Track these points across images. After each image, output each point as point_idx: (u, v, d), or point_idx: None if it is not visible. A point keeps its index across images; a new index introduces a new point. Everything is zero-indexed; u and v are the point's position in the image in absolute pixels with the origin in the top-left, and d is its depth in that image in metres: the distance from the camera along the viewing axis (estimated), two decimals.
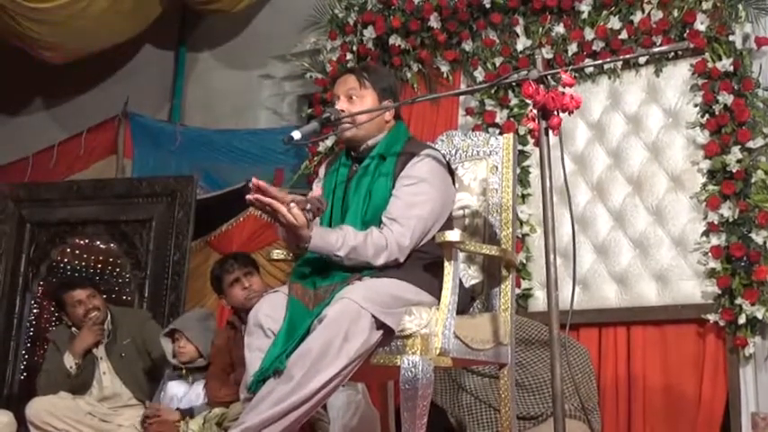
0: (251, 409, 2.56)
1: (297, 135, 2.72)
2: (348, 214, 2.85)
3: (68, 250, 5.71)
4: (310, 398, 2.54)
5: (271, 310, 2.72)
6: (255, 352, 2.68)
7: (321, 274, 2.75)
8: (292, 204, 2.63)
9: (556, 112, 2.49)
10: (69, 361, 4.52)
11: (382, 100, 2.96)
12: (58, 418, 4.31)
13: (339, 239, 2.70)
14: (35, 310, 5.69)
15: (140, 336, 4.63)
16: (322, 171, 3.10)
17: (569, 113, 2.51)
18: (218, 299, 5.14)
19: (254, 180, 2.64)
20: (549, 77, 2.52)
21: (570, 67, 2.56)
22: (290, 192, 5.15)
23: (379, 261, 2.73)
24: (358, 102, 2.93)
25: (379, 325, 2.60)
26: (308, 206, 2.66)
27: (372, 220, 2.82)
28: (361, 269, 2.74)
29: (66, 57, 6.16)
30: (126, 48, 6.36)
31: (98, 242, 5.66)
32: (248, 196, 2.65)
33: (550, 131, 2.53)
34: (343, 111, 2.91)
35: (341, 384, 2.63)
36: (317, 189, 3.04)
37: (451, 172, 3.00)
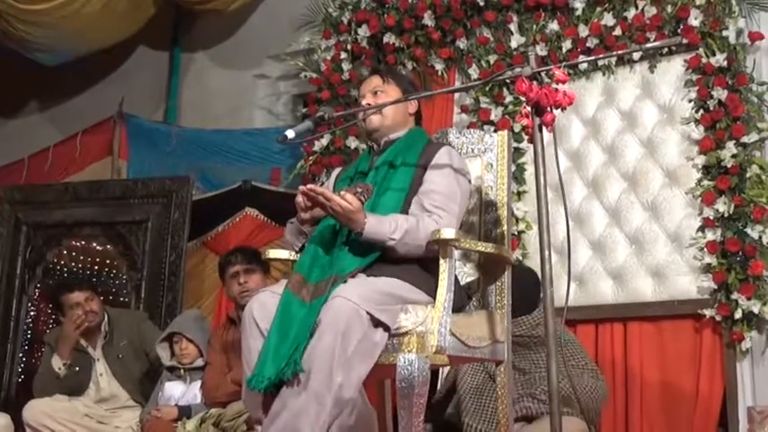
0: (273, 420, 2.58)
1: (291, 134, 2.73)
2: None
3: (65, 252, 5.70)
4: (333, 403, 2.55)
5: (264, 311, 2.72)
6: (255, 352, 2.68)
7: (322, 266, 2.76)
8: (343, 192, 2.68)
9: (549, 109, 2.49)
10: (57, 362, 4.51)
11: (406, 95, 3.02)
12: (55, 420, 4.31)
13: (393, 224, 2.72)
14: (32, 313, 5.69)
15: (137, 337, 4.63)
16: (333, 176, 3.15)
17: (563, 110, 2.51)
18: (215, 299, 5.14)
19: (302, 187, 2.80)
20: (542, 74, 2.52)
21: (563, 64, 2.55)
22: (285, 191, 5.16)
23: (434, 246, 2.75)
24: (383, 96, 3.01)
25: (376, 323, 2.59)
26: (359, 189, 2.68)
27: (388, 201, 2.84)
28: (360, 264, 2.73)
29: (60, 58, 6.15)
30: (120, 49, 6.35)
31: (94, 244, 5.66)
32: (301, 187, 2.79)
33: (544, 128, 2.54)
34: (369, 104, 3.00)
35: (359, 383, 2.63)
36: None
37: None
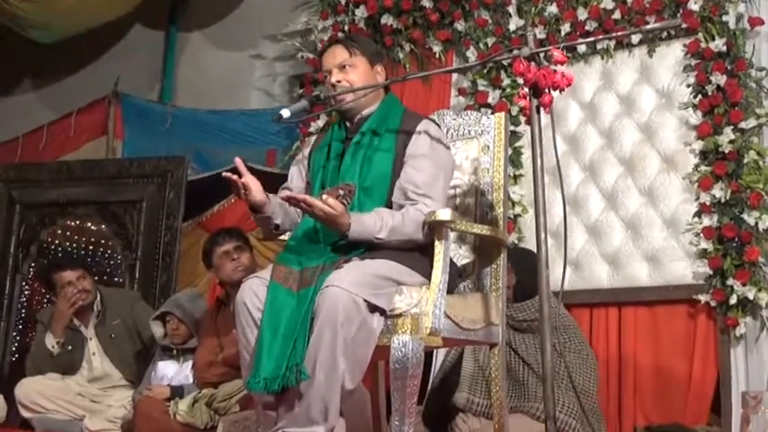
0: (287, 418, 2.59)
1: (286, 113, 2.70)
2: (343, 182, 2.82)
3: (59, 231, 5.69)
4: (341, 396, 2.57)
5: (256, 299, 2.69)
6: (251, 341, 2.67)
7: (309, 254, 2.73)
8: (325, 196, 2.63)
9: (547, 90, 2.47)
10: (50, 341, 4.51)
11: (373, 65, 2.94)
12: (48, 398, 4.31)
13: (378, 222, 2.69)
14: (26, 292, 5.68)
15: (130, 316, 4.62)
16: (306, 150, 3.07)
17: (561, 91, 2.49)
18: (209, 280, 5.12)
19: (283, 194, 2.76)
20: (540, 55, 2.50)
21: (562, 44, 2.53)
22: (281, 173, 5.14)
23: (421, 236, 2.73)
24: (352, 71, 2.89)
25: (372, 308, 2.58)
26: (341, 192, 2.64)
27: (372, 187, 2.80)
28: (349, 251, 2.71)
29: (55, 36, 6.11)
30: (116, 27, 6.31)
31: (89, 223, 5.65)
32: (281, 194, 2.74)
33: (542, 109, 2.52)
34: (339, 81, 2.88)
35: (362, 374, 2.63)
36: (293, 171, 3.04)
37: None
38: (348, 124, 2.95)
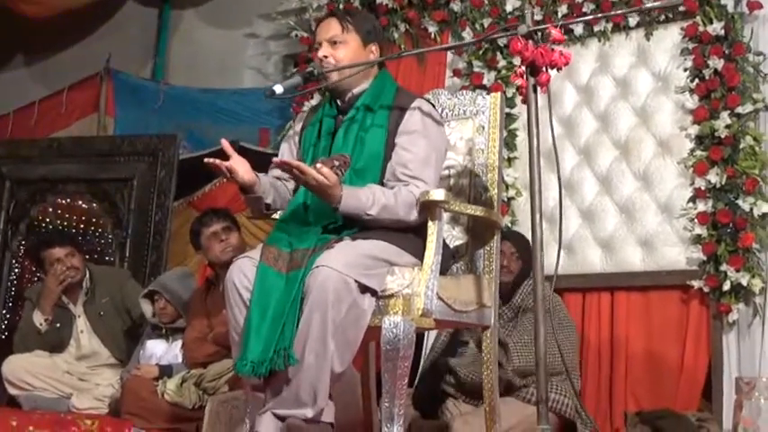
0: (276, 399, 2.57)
1: (279, 89, 2.66)
2: None
3: (50, 209, 5.65)
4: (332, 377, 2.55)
5: (245, 279, 2.66)
6: (240, 321, 2.64)
7: (299, 235, 2.69)
8: (319, 165, 2.57)
9: (545, 69, 2.44)
10: (38, 318, 4.48)
11: (366, 44, 2.87)
12: (35, 376, 4.28)
13: (370, 198, 2.64)
14: (16, 270, 5.64)
15: (119, 294, 4.59)
16: (298, 126, 3.02)
17: (558, 70, 2.46)
18: (200, 260, 5.09)
19: (275, 159, 2.69)
20: (538, 34, 2.46)
21: (559, 23, 2.49)
22: (274, 152, 5.10)
23: (412, 217, 2.69)
24: (342, 47, 2.83)
25: (364, 288, 2.55)
26: (336, 163, 2.59)
27: (365, 168, 2.76)
28: (340, 231, 2.68)
29: (47, 12, 6.06)
30: (109, 4, 6.29)
31: (79, 201, 5.60)
32: (275, 159, 2.68)
33: (539, 89, 2.48)
34: (326, 56, 2.82)
35: (351, 357, 2.61)
36: (284, 147, 3.00)
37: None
38: (339, 102, 2.90)
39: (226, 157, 2.75)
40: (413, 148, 2.76)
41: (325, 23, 2.88)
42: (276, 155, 3.11)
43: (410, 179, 2.72)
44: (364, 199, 2.64)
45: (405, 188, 2.70)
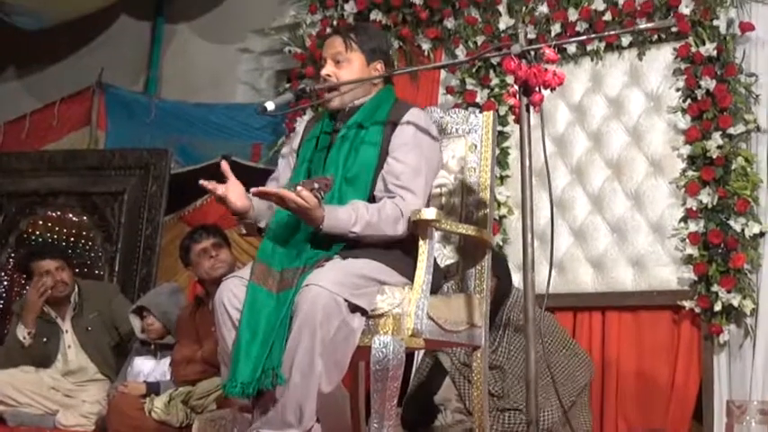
0: (262, 419, 2.55)
1: (270, 105, 2.65)
2: (328, 172, 2.76)
3: (40, 222, 5.62)
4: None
5: (235, 299, 2.64)
6: (229, 342, 2.62)
7: (288, 254, 2.67)
8: (299, 188, 2.55)
9: (538, 89, 2.42)
10: (21, 331, 4.44)
11: (371, 61, 2.85)
12: (20, 391, 4.25)
13: (352, 216, 2.62)
14: (5, 282, 5.60)
15: (108, 310, 4.56)
16: (296, 141, 3.00)
17: (551, 90, 2.45)
18: (190, 275, 5.07)
19: (253, 190, 2.65)
20: (531, 53, 2.45)
21: (553, 43, 2.48)
22: (265, 168, 5.08)
23: (399, 231, 2.67)
24: (345, 65, 2.82)
25: (353, 308, 2.53)
26: (316, 185, 2.58)
27: (356, 176, 2.74)
28: (330, 248, 2.66)
29: (41, 23, 6.04)
30: (102, 17, 6.27)
31: (69, 214, 5.58)
32: (252, 190, 2.65)
33: (531, 108, 2.47)
34: (329, 75, 2.81)
35: (339, 377, 2.59)
36: (282, 163, 2.98)
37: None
38: (338, 115, 2.89)
39: (219, 172, 2.74)
40: (404, 158, 2.74)
41: (330, 41, 2.88)
42: (268, 170, 3.11)
43: (399, 189, 2.71)
44: (347, 217, 2.62)
45: (390, 201, 2.69)
